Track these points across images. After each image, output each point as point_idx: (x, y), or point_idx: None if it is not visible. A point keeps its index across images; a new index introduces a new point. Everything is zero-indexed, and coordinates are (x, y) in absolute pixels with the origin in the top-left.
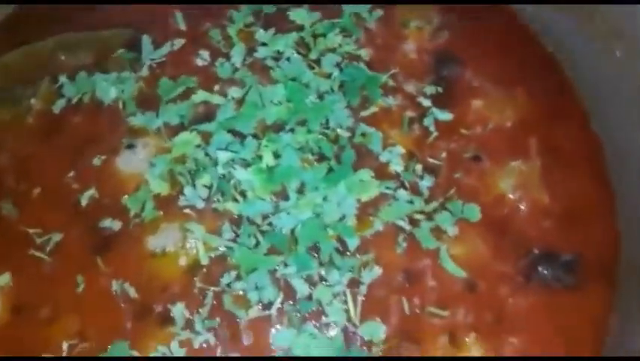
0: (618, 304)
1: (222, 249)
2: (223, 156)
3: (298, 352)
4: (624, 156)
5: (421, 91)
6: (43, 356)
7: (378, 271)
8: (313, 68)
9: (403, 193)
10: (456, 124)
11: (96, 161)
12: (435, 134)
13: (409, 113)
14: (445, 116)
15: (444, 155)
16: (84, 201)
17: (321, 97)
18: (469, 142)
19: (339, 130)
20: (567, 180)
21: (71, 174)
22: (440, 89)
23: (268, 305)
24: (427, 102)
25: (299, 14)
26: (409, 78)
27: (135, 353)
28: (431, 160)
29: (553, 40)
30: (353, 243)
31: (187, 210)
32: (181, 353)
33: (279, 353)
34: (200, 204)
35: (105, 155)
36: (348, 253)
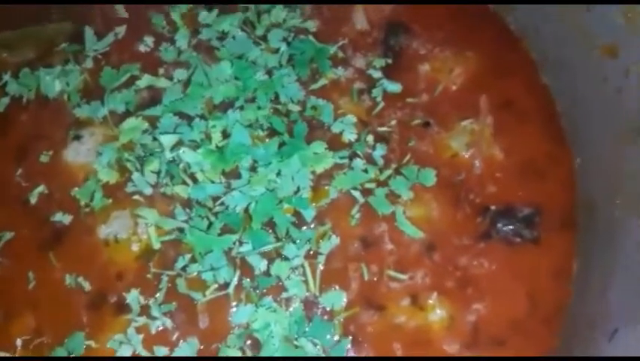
0: (579, 250)
1: (175, 233)
2: (168, 139)
3: (257, 326)
4: (575, 102)
5: (371, 63)
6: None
7: (336, 240)
8: (259, 45)
9: (358, 162)
10: (404, 93)
11: (43, 158)
12: (382, 104)
13: (359, 85)
14: (395, 87)
15: (394, 123)
16: (33, 199)
17: (269, 73)
18: (417, 109)
19: (289, 105)
20: (520, 134)
21: (19, 172)
22: (390, 61)
23: (225, 285)
24: (377, 74)
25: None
26: (358, 49)
27: (92, 344)
28: (381, 129)
29: None
30: (309, 214)
31: (136, 197)
32: (138, 339)
33: (238, 331)
34: (148, 190)
35: (52, 150)
36: (304, 226)
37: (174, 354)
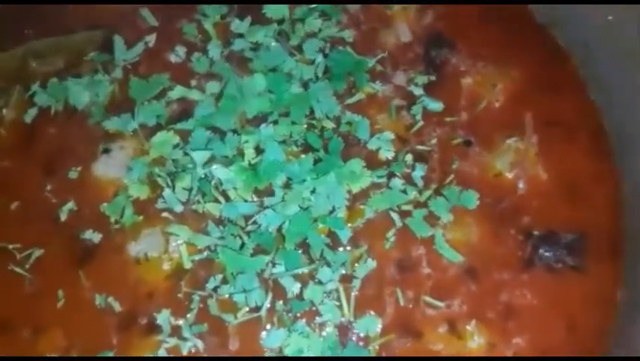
0: (625, 279)
1: (206, 252)
2: (200, 155)
3: (290, 351)
4: (625, 123)
5: (412, 79)
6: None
7: (372, 264)
8: (294, 56)
9: (396, 182)
10: (445, 111)
11: (72, 174)
12: (421, 122)
13: (397, 101)
14: (436, 105)
15: (434, 142)
16: (63, 216)
17: (305, 86)
18: (457, 128)
19: (324, 120)
20: (566, 155)
21: (49, 187)
22: (433, 78)
23: (257, 308)
24: (418, 91)
25: (274, 10)
26: (399, 64)
27: None
28: (421, 147)
29: (542, 8)
30: (345, 235)
31: (165, 214)
32: None
33: (270, 354)
34: (179, 208)
35: (81, 165)
36: (339, 248)
37: None
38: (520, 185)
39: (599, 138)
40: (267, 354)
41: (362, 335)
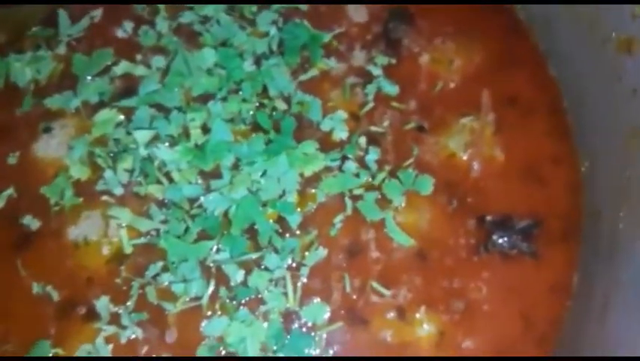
0: (581, 262)
1: (148, 237)
2: (143, 135)
3: (231, 340)
4: (585, 100)
5: (372, 59)
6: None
7: (323, 252)
8: (245, 29)
9: (350, 165)
10: (399, 95)
11: (11, 159)
12: (371, 104)
13: (353, 79)
14: (392, 89)
15: (386, 124)
16: (1, 203)
17: (257, 62)
18: (410, 113)
19: (276, 100)
20: (524, 133)
21: None
22: (393, 61)
23: (197, 297)
24: (376, 71)
25: None
26: (356, 41)
27: (60, 352)
28: (374, 129)
29: None
30: (295, 220)
31: (106, 197)
32: (107, 350)
33: (210, 342)
34: (120, 190)
35: (20, 149)
36: (287, 235)
37: None
38: (475, 166)
39: (558, 117)
40: (206, 342)
41: (309, 323)
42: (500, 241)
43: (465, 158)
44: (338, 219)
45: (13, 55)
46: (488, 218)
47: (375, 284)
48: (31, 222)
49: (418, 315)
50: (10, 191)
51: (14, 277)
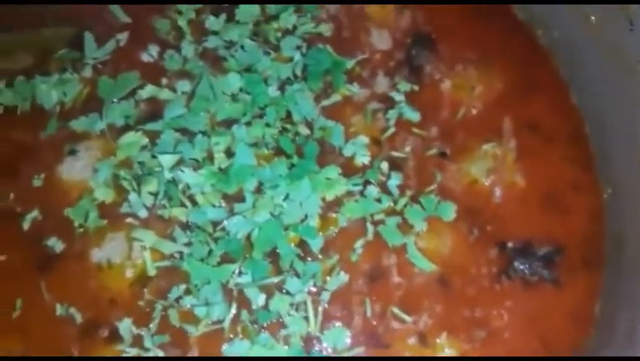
0: (604, 289)
1: (171, 260)
2: (168, 159)
3: None
4: (607, 126)
5: (395, 85)
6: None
7: (344, 277)
8: (269, 55)
9: (371, 190)
10: (420, 121)
11: (36, 182)
12: (392, 129)
13: (374, 105)
14: (413, 115)
15: (408, 149)
16: (26, 225)
17: (282, 88)
18: (432, 139)
19: (299, 125)
20: (545, 160)
21: (12, 196)
22: (416, 88)
23: (219, 321)
24: (399, 97)
25: (245, 12)
26: (377, 67)
27: None
28: (396, 154)
29: (525, 7)
30: (316, 244)
31: (130, 220)
32: None
33: None
34: (144, 213)
35: (45, 171)
36: (309, 258)
37: None
38: (497, 193)
39: (580, 144)
40: None
41: (329, 347)
42: (522, 267)
43: (487, 184)
44: (359, 244)
45: (40, 77)
46: (509, 245)
47: (396, 310)
48: (56, 244)
49: (439, 340)
50: (35, 213)
51: (37, 299)
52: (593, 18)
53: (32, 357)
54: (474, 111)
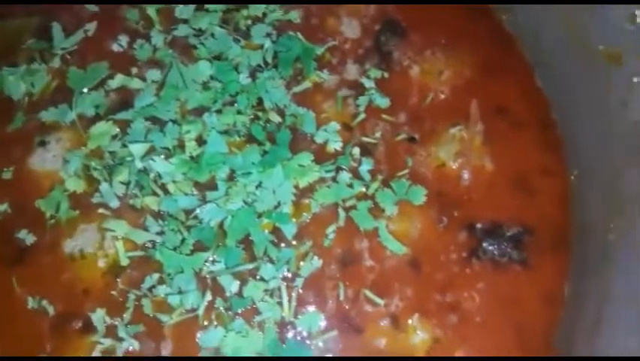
0: (572, 273)
1: (143, 249)
2: (139, 148)
3: (228, 351)
4: (573, 111)
5: (366, 72)
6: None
7: (317, 263)
8: (239, 42)
9: (344, 176)
10: (389, 107)
11: (6, 174)
12: (363, 115)
13: (345, 91)
14: (383, 101)
15: (378, 135)
16: None
17: (253, 75)
18: (401, 125)
19: (270, 112)
20: (512, 143)
21: None
22: (386, 75)
23: (193, 309)
24: (369, 83)
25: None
26: (349, 54)
27: None
28: (367, 139)
29: None
30: (290, 231)
31: (101, 210)
32: None
33: (207, 353)
34: (115, 203)
35: (14, 164)
36: (282, 245)
37: None
38: (465, 176)
39: (547, 128)
40: (202, 353)
41: (304, 332)
42: (490, 248)
43: (455, 167)
44: (330, 230)
45: (7, 68)
46: (478, 226)
47: (368, 293)
48: (27, 236)
49: (410, 322)
50: (4, 207)
51: (9, 293)
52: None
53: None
54: (442, 96)
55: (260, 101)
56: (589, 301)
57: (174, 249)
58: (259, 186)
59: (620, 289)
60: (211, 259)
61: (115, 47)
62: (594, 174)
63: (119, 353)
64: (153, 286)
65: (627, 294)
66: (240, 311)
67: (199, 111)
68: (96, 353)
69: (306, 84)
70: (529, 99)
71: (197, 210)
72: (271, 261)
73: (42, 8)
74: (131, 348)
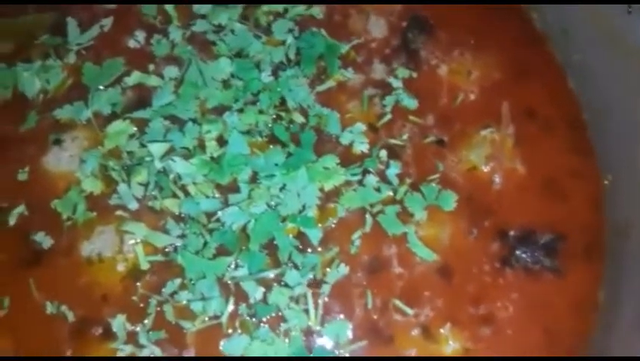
0: (607, 279)
1: (164, 253)
2: (158, 148)
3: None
4: (605, 112)
5: (393, 70)
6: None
7: (344, 269)
8: (260, 38)
9: (370, 179)
10: (417, 109)
11: (21, 175)
12: (389, 116)
13: (370, 90)
14: (411, 102)
15: (405, 137)
16: (12, 220)
17: (275, 73)
18: (430, 127)
19: (293, 112)
20: (544, 146)
21: None
22: (414, 74)
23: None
24: (396, 83)
25: None
26: (375, 52)
27: None
28: (393, 141)
29: None
30: (315, 236)
31: (120, 212)
32: None
33: None
34: (134, 204)
35: (29, 164)
36: (308, 250)
37: None
38: (497, 180)
39: (578, 130)
40: None
41: (332, 342)
42: (524, 256)
43: (486, 170)
44: (356, 236)
45: (21, 64)
46: (511, 233)
47: (397, 302)
48: (44, 239)
49: (442, 331)
50: (21, 208)
51: (26, 297)
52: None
53: (26, 357)
54: (472, 97)
55: (283, 101)
56: (626, 304)
57: (196, 253)
58: (283, 188)
59: None
60: (234, 264)
61: (131, 43)
62: (628, 178)
63: None
64: (175, 292)
65: None
66: (264, 319)
67: (219, 110)
68: None
69: (330, 83)
70: (559, 101)
71: (219, 213)
72: (296, 267)
73: (57, 4)
74: (152, 355)
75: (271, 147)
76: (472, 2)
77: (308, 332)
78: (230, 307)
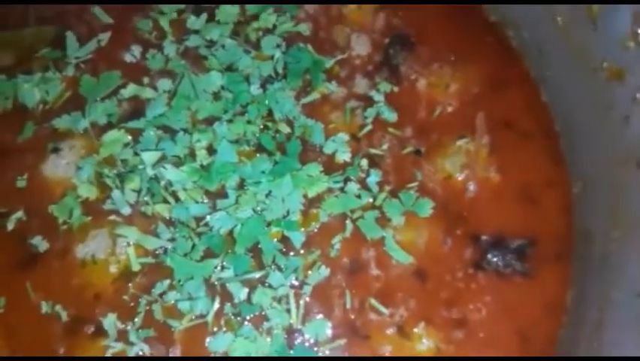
0: (574, 281)
1: (154, 256)
2: (150, 156)
3: (236, 356)
4: (577, 125)
5: (376, 85)
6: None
7: (325, 271)
8: (250, 53)
9: (352, 186)
10: (397, 121)
11: (20, 182)
12: (370, 127)
13: (353, 103)
14: (391, 116)
15: (385, 147)
16: (10, 225)
17: (263, 86)
18: (408, 138)
19: (280, 123)
20: (518, 156)
21: None
22: (396, 89)
23: (202, 316)
24: (378, 97)
25: (225, 13)
26: (358, 67)
27: None
28: (374, 151)
29: (496, 8)
30: (298, 239)
31: (113, 216)
32: None
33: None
34: (127, 209)
35: (28, 171)
36: (291, 253)
37: None
38: (471, 187)
39: (552, 141)
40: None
41: (311, 339)
42: (495, 259)
43: (461, 179)
44: (337, 240)
45: (22, 76)
46: (483, 237)
47: (373, 301)
48: (40, 243)
49: (416, 330)
50: (19, 214)
51: (22, 297)
52: (559, 19)
53: (21, 357)
54: (449, 109)
55: (270, 112)
56: (591, 306)
57: (185, 255)
58: (268, 195)
59: (621, 295)
60: (220, 266)
61: (128, 57)
62: (597, 187)
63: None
64: (164, 292)
65: (627, 300)
66: (248, 317)
67: (210, 121)
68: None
69: (315, 95)
70: (534, 113)
71: (208, 218)
72: (279, 269)
73: (57, 18)
74: (141, 352)
75: (258, 155)
76: (450, 19)
77: (289, 331)
78: (216, 306)
